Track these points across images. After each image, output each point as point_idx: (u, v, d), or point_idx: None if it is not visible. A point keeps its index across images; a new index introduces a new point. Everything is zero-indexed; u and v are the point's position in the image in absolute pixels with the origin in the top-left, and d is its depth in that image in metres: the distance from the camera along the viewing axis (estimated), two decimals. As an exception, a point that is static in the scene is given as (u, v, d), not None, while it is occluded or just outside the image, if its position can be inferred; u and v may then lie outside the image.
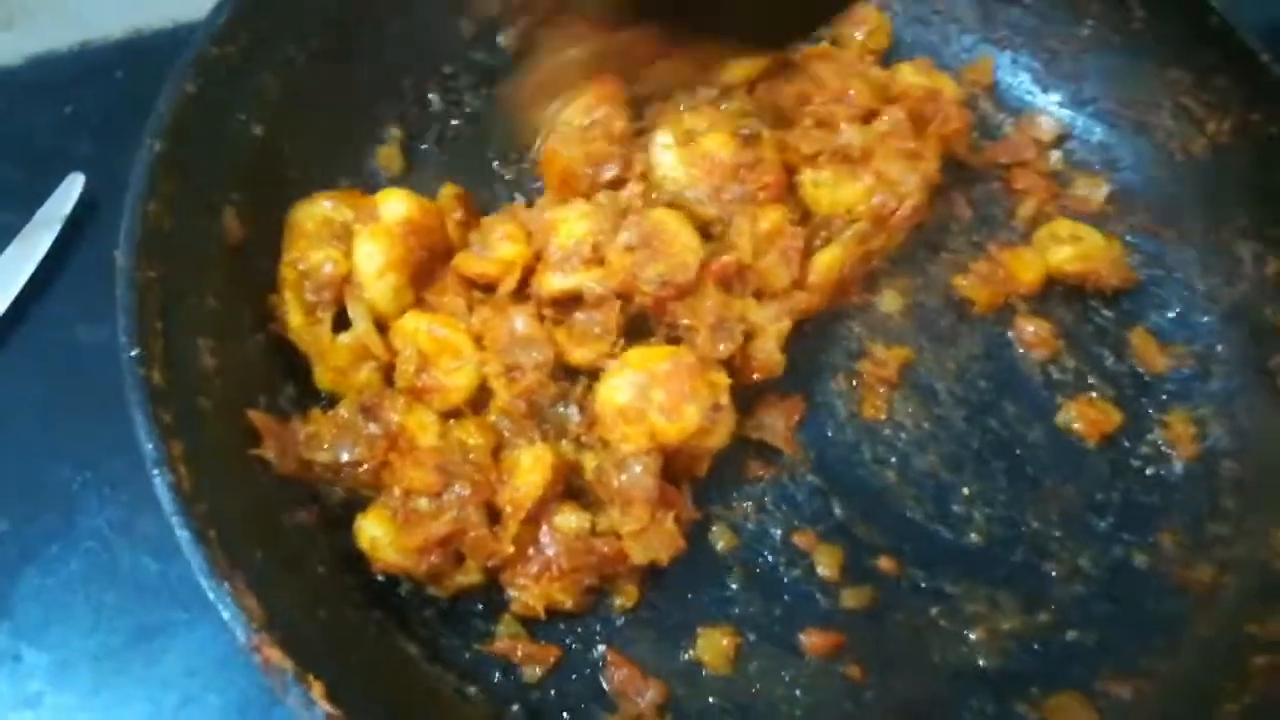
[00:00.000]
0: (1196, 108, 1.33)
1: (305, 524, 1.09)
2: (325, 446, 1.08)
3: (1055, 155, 1.41)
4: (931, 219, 1.33)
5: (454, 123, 1.39)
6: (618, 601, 1.13)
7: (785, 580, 1.16)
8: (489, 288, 1.19)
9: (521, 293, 1.18)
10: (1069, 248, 1.31)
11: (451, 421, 1.12)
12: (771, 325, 1.17)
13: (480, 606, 1.11)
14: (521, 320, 1.15)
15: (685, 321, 1.14)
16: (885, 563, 1.17)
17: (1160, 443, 1.25)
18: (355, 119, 1.34)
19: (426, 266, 1.19)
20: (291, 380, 1.17)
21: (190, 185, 1.09)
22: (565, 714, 1.09)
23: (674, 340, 1.15)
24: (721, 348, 1.13)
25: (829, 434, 1.24)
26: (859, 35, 1.45)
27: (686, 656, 1.12)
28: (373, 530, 1.06)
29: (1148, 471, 1.23)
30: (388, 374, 1.15)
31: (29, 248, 1.33)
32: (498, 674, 1.09)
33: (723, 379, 1.12)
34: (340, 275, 1.15)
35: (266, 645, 0.87)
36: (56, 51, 1.52)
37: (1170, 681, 1.11)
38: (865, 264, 1.28)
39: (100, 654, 1.16)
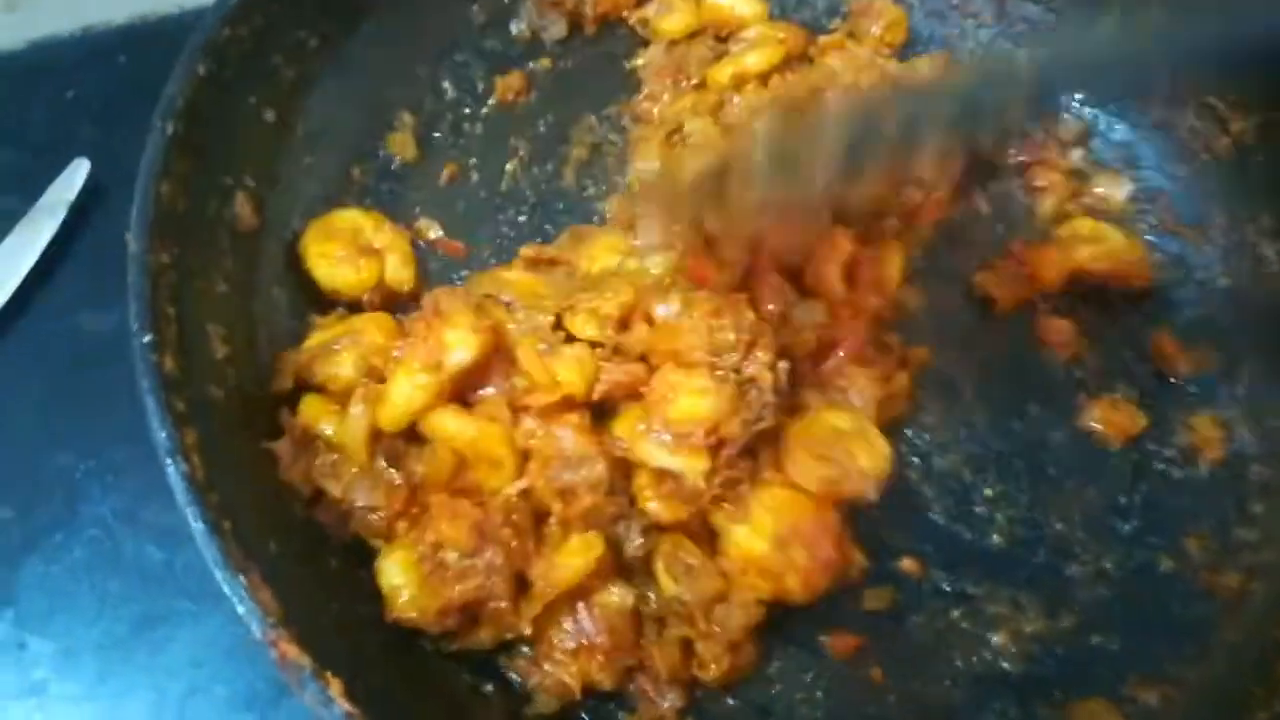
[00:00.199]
0: (1221, 106, 1.31)
1: (317, 518, 1.06)
2: (342, 480, 1.05)
3: (1077, 153, 1.39)
4: (951, 216, 1.31)
5: (467, 110, 1.37)
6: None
7: (805, 581, 1.14)
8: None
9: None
10: (1091, 246, 1.29)
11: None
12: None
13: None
14: (569, 436, 1.04)
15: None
16: (907, 564, 1.15)
17: (1185, 445, 1.22)
18: (368, 105, 1.31)
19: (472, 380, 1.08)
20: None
21: (202, 169, 1.07)
22: (584, 715, 1.06)
23: None
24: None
25: (850, 433, 1.21)
26: (875, 29, 1.43)
27: (707, 657, 1.09)
28: (394, 578, 1.01)
29: (1173, 474, 1.21)
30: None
31: (32, 234, 1.31)
32: (514, 673, 1.06)
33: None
34: (357, 379, 1.07)
35: (283, 640, 0.85)
36: (59, 36, 1.50)
37: (1198, 688, 1.09)
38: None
39: (105, 643, 1.15)
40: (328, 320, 1.15)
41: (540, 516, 1.05)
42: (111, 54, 1.48)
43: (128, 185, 1.00)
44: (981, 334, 1.28)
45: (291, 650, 0.84)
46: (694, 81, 1.36)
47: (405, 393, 1.03)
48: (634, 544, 1.05)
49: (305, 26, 1.22)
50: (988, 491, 1.20)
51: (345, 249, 1.19)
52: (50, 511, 1.21)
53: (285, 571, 0.94)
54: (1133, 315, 1.29)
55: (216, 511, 0.89)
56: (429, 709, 1.01)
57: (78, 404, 1.25)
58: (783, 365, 1.06)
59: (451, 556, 1.01)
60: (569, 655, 1.03)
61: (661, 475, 1.04)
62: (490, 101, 1.38)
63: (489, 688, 1.06)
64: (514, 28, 1.41)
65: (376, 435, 1.05)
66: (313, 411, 1.07)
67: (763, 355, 1.05)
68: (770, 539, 1.03)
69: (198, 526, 0.87)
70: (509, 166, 1.35)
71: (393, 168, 1.32)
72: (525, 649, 1.06)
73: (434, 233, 1.29)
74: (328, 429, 1.05)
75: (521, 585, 1.03)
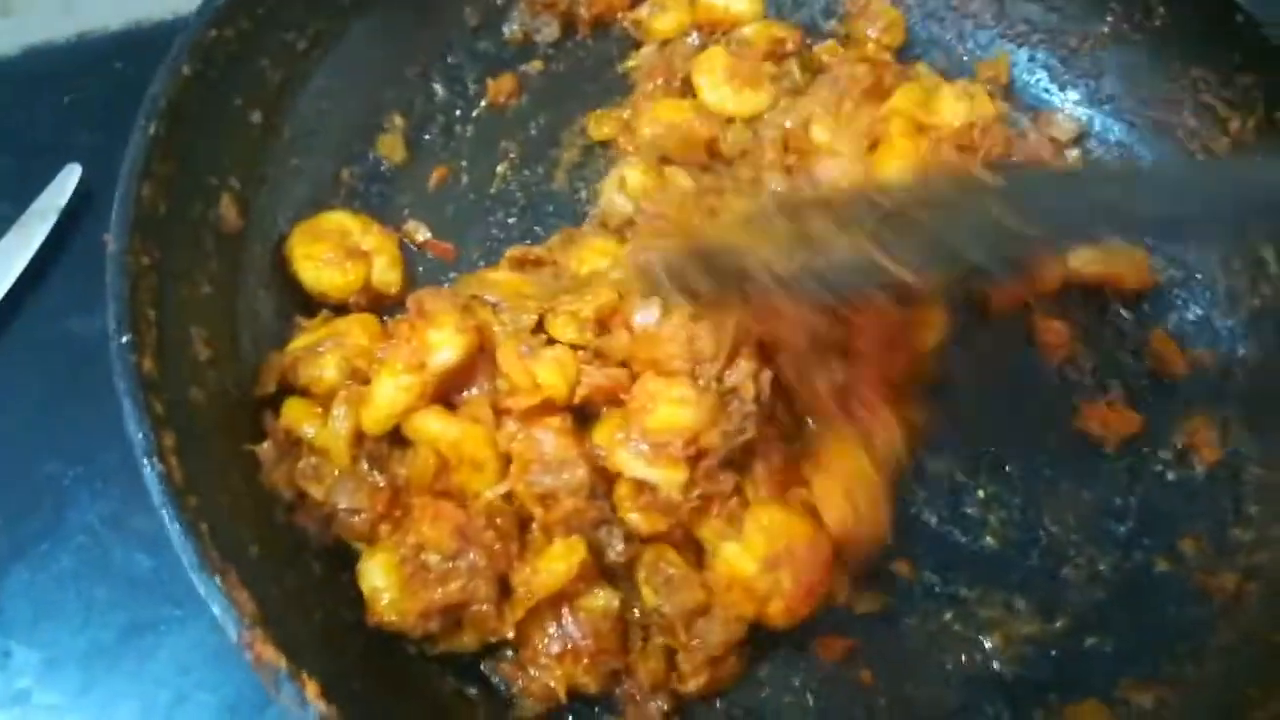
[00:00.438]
0: (1219, 106, 1.29)
1: (298, 522, 1.05)
2: (324, 482, 1.04)
3: (1073, 154, 1.38)
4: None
5: (458, 113, 1.37)
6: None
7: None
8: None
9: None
10: (1088, 249, 1.28)
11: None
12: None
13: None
14: (550, 440, 1.03)
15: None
16: (899, 566, 1.14)
17: (1181, 447, 1.21)
18: (357, 107, 1.31)
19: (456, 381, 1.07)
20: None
21: (186, 170, 1.07)
22: (570, 718, 1.05)
23: None
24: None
25: (841, 435, 1.20)
26: (873, 32, 1.42)
27: (695, 660, 1.08)
28: (376, 579, 1.01)
29: (1169, 476, 1.20)
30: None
31: (24, 239, 1.31)
32: (498, 676, 1.05)
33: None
34: (340, 381, 1.07)
35: (259, 641, 0.84)
36: (54, 42, 1.51)
37: (1193, 690, 1.08)
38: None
39: (91, 651, 1.14)
40: (313, 323, 1.14)
41: (524, 521, 1.04)
42: (106, 60, 1.48)
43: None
44: (976, 336, 1.26)
45: (267, 651, 0.84)
46: (680, 78, 1.35)
47: (389, 394, 1.02)
48: (616, 549, 1.03)
49: (293, 29, 1.22)
50: (980, 493, 1.19)
51: (332, 251, 1.18)
52: (38, 519, 1.20)
53: (266, 575, 0.94)
54: (1128, 317, 1.28)
55: (194, 513, 0.89)
56: (412, 713, 1.00)
57: (67, 410, 1.24)
58: (765, 375, 1.05)
59: (433, 559, 1.00)
60: (554, 659, 1.02)
61: (641, 486, 1.03)
62: (481, 104, 1.38)
63: (473, 692, 1.04)
64: (506, 30, 1.41)
65: (359, 438, 1.04)
66: (295, 414, 1.06)
67: (745, 365, 1.04)
68: (760, 560, 1.01)
69: (174, 528, 0.86)
70: (499, 169, 1.34)
71: (382, 170, 1.32)
72: (509, 653, 1.05)
73: (423, 235, 1.28)
74: (310, 431, 1.05)
75: (505, 589, 1.02)
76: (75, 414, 1.23)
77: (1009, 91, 1.42)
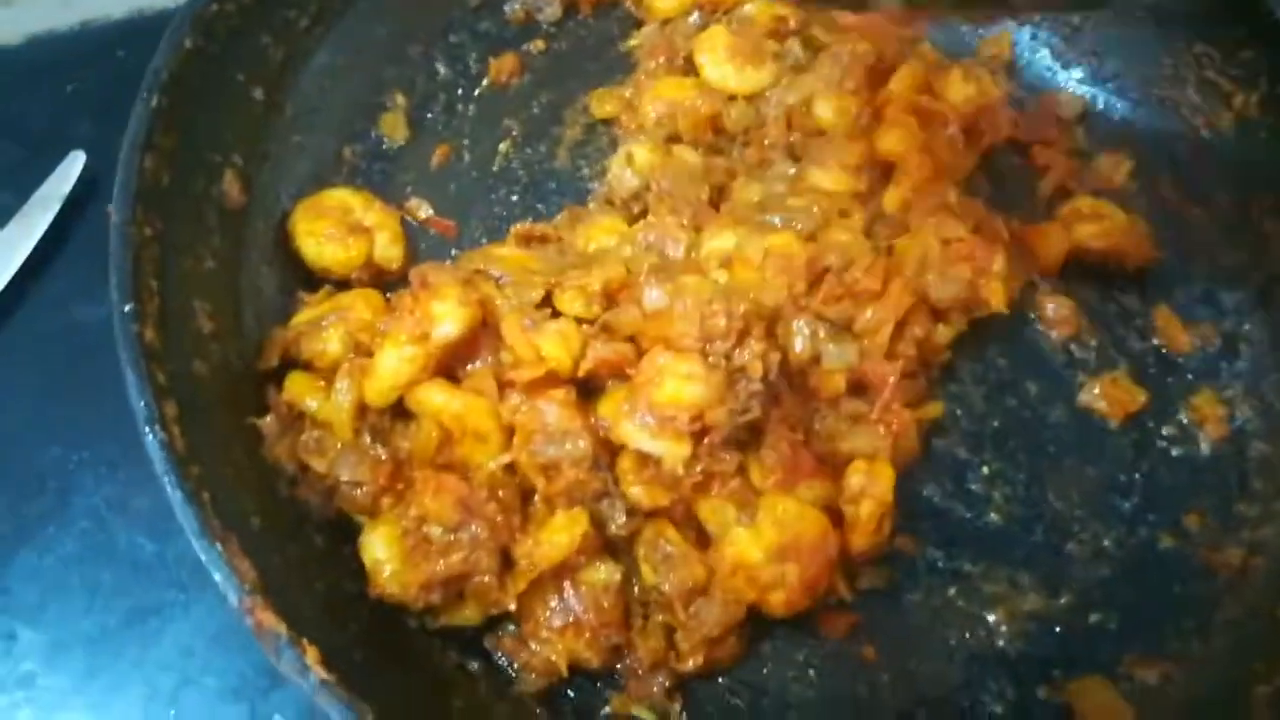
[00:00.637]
0: (1223, 83, 1.29)
1: (301, 496, 1.05)
2: (327, 456, 1.04)
3: (1077, 131, 1.38)
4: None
5: (460, 91, 1.37)
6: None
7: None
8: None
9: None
10: (1092, 225, 1.27)
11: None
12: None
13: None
14: (553, 411, 1.03)
15: None
16: (902, 542, 1.13)
17: (1186, 423, 1.21)
18: (360, 85, 1.32)
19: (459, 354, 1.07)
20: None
21: (188, 144, 1.07)
22: (572, 693, 1.05)
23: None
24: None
25: (845, 411, 1.20)
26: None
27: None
28: (378, 551, 1.00)
29: (1173, 452, 1.20)
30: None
31: (27, 227, 1.32)
32: (500, 652, 1.05)
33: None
34: (344, 355, 1.07)
35: (259, 608, 0.84)
36: (57, 31, 1.52)
37: (1198, 664, 1.07)
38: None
39: (96, 635, 1.14)
40: (316, 297, 1.14)
41: (526, 494, 1.04)
42: (109, 48, 1.48)
43: (124, 176, 1.00)
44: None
45: (268, 618, 0.84)
46: (682, 57, 1.35)
47: (392, 365, 1.02)
48: (618, 522, 1.03)
49: (294, 6, 1.23)
50: (985, 470, 1.18)
51: (334, 227, 1.18)
52: (43, 503, 1.20)
53: (268, 546, 0.94)
54: (1133, 293, 1.28)
55: (196, 482, 0.89)
56: (413, 686, 1.00)
57: (71, 396, 1.25)
58: (773, 356, 1.05)
59: (435, 531, 0.99)
60: (555, 633, 1.02)
61: (644, 460, 1.02)
62: (484, 82, 1.38)
63: (475, 666, 1.04)
64: (508, 9, 1.42)
65: (362, 411, 1.04)
66: (298, 387, 1.06)
67: (755, 345, 1.04)
68: (768, 549, 1.01)
69: (175, 495, 0.86)
70: (502, 147, 1.34)
71: (384, 148, 1.32)
72: (511, 627, 1.05)
73: (425, 212, 1.29)
74: (313, 405, 1.05)
75: (507, 563, 1.01)
76: (79, 400, 1.23)
77: (1011, 70, 1.42)
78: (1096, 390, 1.22)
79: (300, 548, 1.01)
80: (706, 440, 1.01)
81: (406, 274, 1.16)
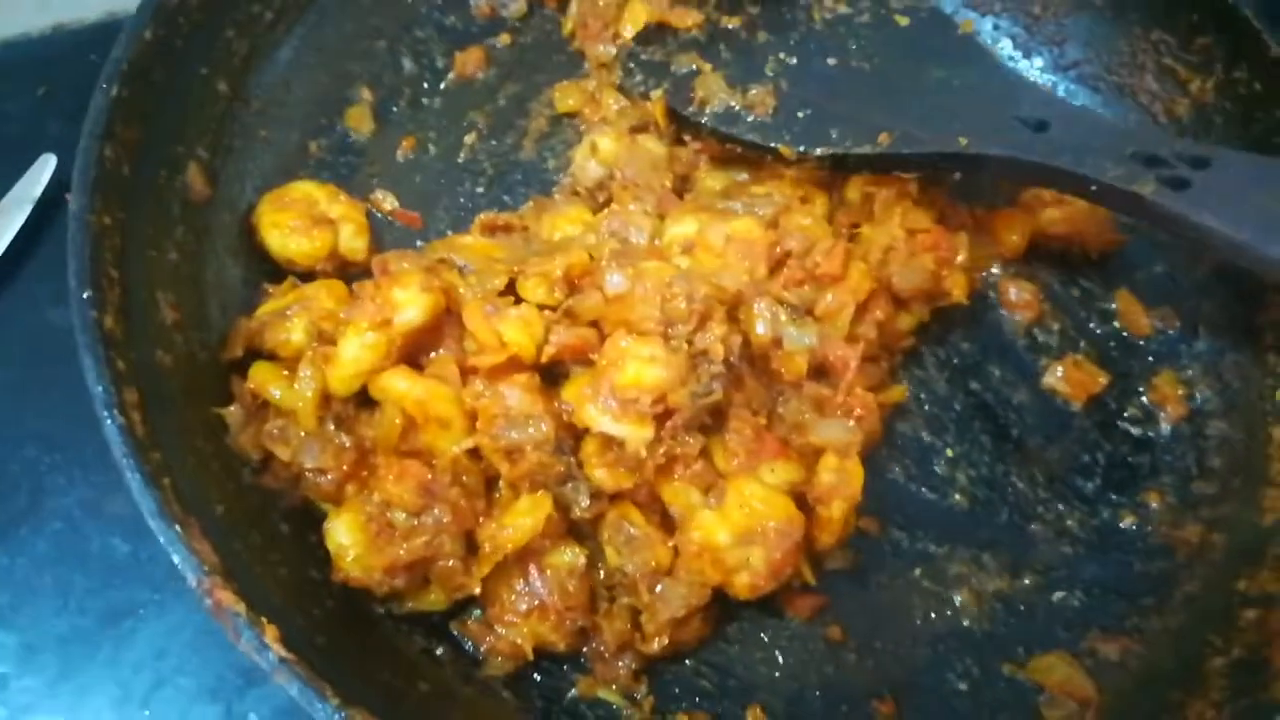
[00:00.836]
0: (1180, 69, 1.31)
1: (265, 484, 1.06)
2: (291, 444, 1.04)
3: (1038, 119, 1.39)
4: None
5: (425, 85, 1.37)
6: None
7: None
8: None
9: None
10: (1054, 210, 1.28)
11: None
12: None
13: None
14: (516, 395, 1.02)
15: None
16: (867, 524, 1.14)
17: (1147, 404, 1.22)
18: (325, 79, 1.32)
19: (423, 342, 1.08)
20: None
21: (151, 135, 1.08)
22: (538, 676, 1.06)
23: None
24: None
25: (809, 395, 1.21)
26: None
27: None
28: (341, 537, 1.00)
29: (1134, 433, 1.21)
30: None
31: (-1, 228, 1.31)
32: (467, 635, 1.06)
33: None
34: (307, 344, 1.07)
35: (217, 588, 0.84)
36: (30, 34, 1.51)
37: (1158, 639, 1.09)
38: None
39: (69, 636, 1.14)
40: (280, 289, 1.14)
41: (490, 480, 1.04)
42: (81, 52, 1.45)
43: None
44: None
45: (226, 596, 0.84)
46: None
47: (354, 352, 1.02)
48: (582, 505, 1.03)
49: (258, 0, 1.23)
50: (949, 452, 1.19)
51: (299, 219, 1.18)
52: (15, 504, 1.20)
53: (231, 533, 0.95)
54: (1094, 277, 1.29)
55: (155, 468, 0.89)
56: (379, 670, 1.00)
57: (44, 398, 1.24)
58: (735, 339, 1.05)
59: (399, 516, 1.00)
60: (521, 616, 1.02)
61: (607, 443, 1.03)
62: (449, 76, 1.38)
63: (440, 651, 1.05)
64: (474, 4, 1.42)
65: (326, 400, 1.04)
66: (262, 376, 1.06)
67: (717, 328, 1.04)
68: (735, 533, 1.01)
69: (133, 479, 0.86)
70: (467, 139, 1.35)
71: (350, 141, 1.32)
72: (477, 612, 1.05)
73: (390, 204, 1.29)
74: (277, 394, 1.05)
75: (472, 547, 1.02)
76: (53, 402, 1.23)
77: (975, 60, 1.43)
78: (1059, 373, 1.23)
79: (264, 535, 1.01)
80: (669, 423, 1.02)
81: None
